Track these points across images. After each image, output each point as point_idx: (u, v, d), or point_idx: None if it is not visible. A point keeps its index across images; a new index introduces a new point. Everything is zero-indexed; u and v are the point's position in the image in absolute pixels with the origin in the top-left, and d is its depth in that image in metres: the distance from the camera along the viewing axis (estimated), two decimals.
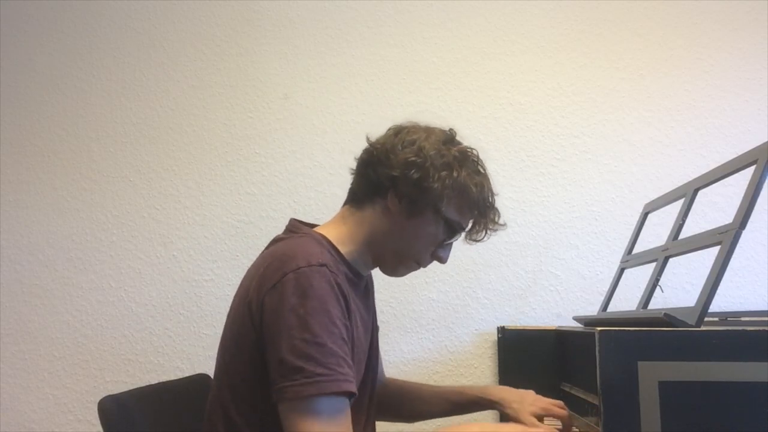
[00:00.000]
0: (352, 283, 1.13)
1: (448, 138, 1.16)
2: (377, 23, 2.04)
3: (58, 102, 2.06)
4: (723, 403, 0.94)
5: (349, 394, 0.97)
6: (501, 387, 1.40)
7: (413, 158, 1.10)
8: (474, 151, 1.18)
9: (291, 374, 0.94)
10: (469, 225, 1.19)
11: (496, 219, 1.19)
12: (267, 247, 1.17)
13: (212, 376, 1.15)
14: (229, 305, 1.83)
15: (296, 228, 1.18)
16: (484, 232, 1.19)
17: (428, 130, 1.16)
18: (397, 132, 1.16)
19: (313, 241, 1.09)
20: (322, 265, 1.00)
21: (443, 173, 1.10)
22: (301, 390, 0.93)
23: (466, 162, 1.15)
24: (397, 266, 1.19)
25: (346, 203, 1.21)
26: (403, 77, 2.01)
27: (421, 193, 1.10)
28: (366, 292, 1.26)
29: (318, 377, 0.93)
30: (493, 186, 1.18)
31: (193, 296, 1.93)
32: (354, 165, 1.21)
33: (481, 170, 1.17)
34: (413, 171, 1.10)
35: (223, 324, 1.94)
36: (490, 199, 1.17)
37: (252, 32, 2.06)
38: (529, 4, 2.03)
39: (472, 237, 1.21)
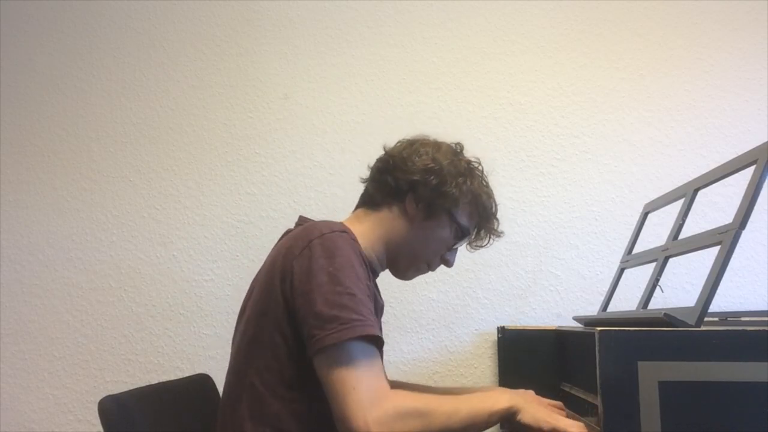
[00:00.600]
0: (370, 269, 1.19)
1: (457, 151, 1.27)
2: (377, 23, 2.04)
3: (58, 102, 2.06)
4: (723, 403, 0.94)
5: (380, 342, 1.02)
6: (499, 388, 1.41)
7: (431, 165, 1.21)
8: (480, 165, 1.29)
9: (328, 323, 0.98)
10: (474, 231, 1.29)
11: (497, 227, 1.30)
12: (279, 240, 1.21)
13: (219, 370, 1.17)
14: (229, 305, 1.83)
15: (303, 221, 1.24)
16: (487, 238, 1.30)
17: (438, 143, 1.27)
18: (411, 143, 1.26)
19: (329, 221, 1.16)
20: (343, 231, 1.09)
21: (459, 180, 1.21)
22: (339, 335, 0.97)
23: (475, 172, 1.26)
24: (409, 268, 1.28)
25: (359, 206, 1.28)
26: (403, 77, 2.01)
27: (438, 197, 1.20)
28: (377, 288, 1.28)
29: (353, 322, 0.98)
30: (495, 197, 1.30)
31: (193, 296, 1.93)
32: (360, 172, 1.30)
33: (486, 182, 1.28)
34: (432, 177, 1.20)
35: (223, 323, 1.94)
36: (494, 208, 1.29)
37: (252, 32, 2.06)
38: (529, 4, 2.03)
39: (475, 243, 1.31)
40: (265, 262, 1.17)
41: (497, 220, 1.30)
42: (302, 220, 1.24)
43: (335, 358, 0.97)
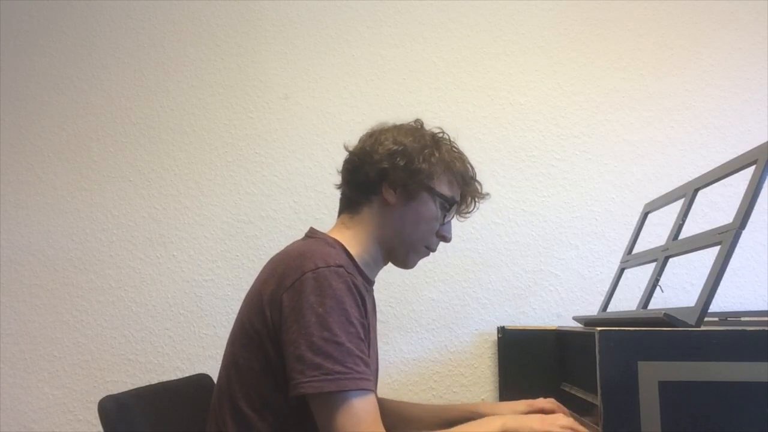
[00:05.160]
0: (365, 289, 1.16)
1: (417, 127, 1.26)
2: (377, 23, 2.04)
3: (58, 102, 2.06)
4: (723, 403, 0.94)
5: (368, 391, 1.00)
6: (491, 403, 1.43)
7: (395, 147, 1.19)
8: (445, 133, 1.27)
9: (309, 370, 0.97)
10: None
11: (480, 189, 1.28)
12: (279, 252, 1.19)
13: (218, 371, 1.16)
14: (229, 305, 1.84)
15: (312, 233, 1.22)
16: (472, 204, 1.28)
17: (397, 126, 1.25)
18: (371, 134, 1.24)
19: (327, 245, 1.13)
20: (339, 266, 1.04)
21: (426, 152, 1.19)
22: (320, 386, 0.96)
23: (441, 142, 1.24)
24: (409, 254, 1.24)
25: (341, 212, 1.26)
26: (403, 77, 2.01)
27: (412, 176, 1.18)
28: (374, 305, 1.28)
29: (337, 374, 0.97)
30: (469, 160, 1.27)
31: (193, 296, 1.93)
32: (337, 180, 1.27)
33: (455, 148, 1.26)
34: (399, 158, 1.18)
35: (223, 324, 1.95)
36: (471, 171, 1.26)
37: (252, 32, 2.06)
38: (529, 4, 2.03)
39: (462, 211, 1.28)
40: (256, 280, 1.14)
41: (478, 182, 1.27)
42: (312, 233, 1.22)
43: (330, 404, 0.97)
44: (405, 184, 1.18)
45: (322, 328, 0.98)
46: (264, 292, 1.06)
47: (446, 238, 1.26)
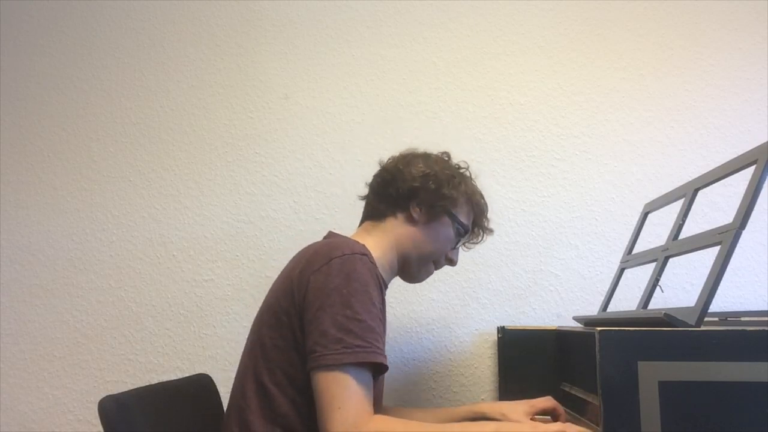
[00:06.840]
0: (383, 284, 1.26)
1: (445, 159, 1.40)
2: (377, 23, 2.04)
3: (58, 102, 2.06)
4: (723, 403, 0.94)
5: (383, 367, 1.09)
6: (493, 402, 1.48)
7: (428, 171, 1.32)
8: (468, 168, 1.42)
9: (331, 344, 1.05)
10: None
11: (489, 225, 1.44)
12: (300, 251, 1.26)
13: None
14: (229, 305, 1.86)
15: (332, 235, 1.33)
16: (481, 235, 1.43)
17: (427, 153, 1.39)
18: (404, 156, 1.38)
19: (351, 240, 1.23)
20: (363, 254, 1.14)
21: (454, 181, 1.34)
22: (340, 358, 1.03)
23: (464, 176, 1.39)
24: (420, 270, 1.38)
25: (364, 220, 1.38)
26: (403, 77, 2.01)
27: (439, 199, 1.32)
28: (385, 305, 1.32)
29: (356, 348, 1.05)
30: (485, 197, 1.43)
31: (193, 296, 1.93)
32: (360, 172, 1.41)
33: (475, 183, 1.41)
34: (430, 182, 1.31)
35: (223, 324, 1.95)
36: (486, 206, 1.42)
37: (252, 32, 2.06)
38: (529, 4, 2.03)
39: (471, 241, 1.44)
40: (284, 269, 1.23)
41: (488, 218, 1.43)
42: (330, 235, 1.32)
43: (332, 377, 1.03)
44: (431, 205, 1.31)
45: (345, 307, 1.06)
46: (293, 274, 1.14)
47: (453, 262, 1.40)
